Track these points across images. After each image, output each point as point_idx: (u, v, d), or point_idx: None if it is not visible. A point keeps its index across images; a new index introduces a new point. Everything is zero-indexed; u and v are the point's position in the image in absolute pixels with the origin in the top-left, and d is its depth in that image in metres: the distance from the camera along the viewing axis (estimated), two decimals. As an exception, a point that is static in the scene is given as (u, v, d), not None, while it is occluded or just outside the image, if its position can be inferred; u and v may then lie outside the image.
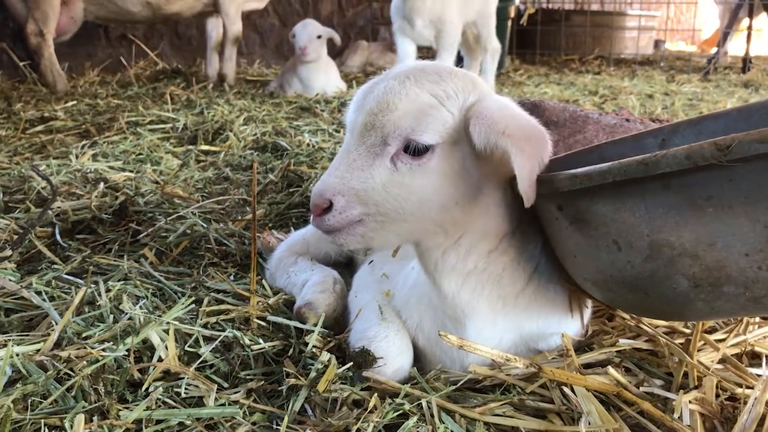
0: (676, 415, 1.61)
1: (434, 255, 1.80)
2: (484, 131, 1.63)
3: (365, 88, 1.80)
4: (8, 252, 2.74)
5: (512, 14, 10.87)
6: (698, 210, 1.39)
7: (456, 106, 1.71)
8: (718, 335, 2.03)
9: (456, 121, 1.70)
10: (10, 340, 2.01)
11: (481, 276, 1.80)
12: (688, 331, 2.04)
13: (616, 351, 1.93)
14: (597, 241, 1.57)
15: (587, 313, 2.01)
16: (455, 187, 1.71)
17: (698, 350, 1.90)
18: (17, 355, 1.86)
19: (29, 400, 1.69)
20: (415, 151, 1.67)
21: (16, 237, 2.92)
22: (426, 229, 1.74)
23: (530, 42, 11.67)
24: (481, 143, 1.64)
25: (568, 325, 1.93)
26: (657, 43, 14.06)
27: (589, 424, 1.59)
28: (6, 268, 2.59)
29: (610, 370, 1.76)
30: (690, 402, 1.65)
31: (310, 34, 7.04)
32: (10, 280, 2.44)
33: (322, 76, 7.27)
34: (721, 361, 1.90)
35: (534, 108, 2.95)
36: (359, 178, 1.69)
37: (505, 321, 1.85)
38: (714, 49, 11.91)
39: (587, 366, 1.87)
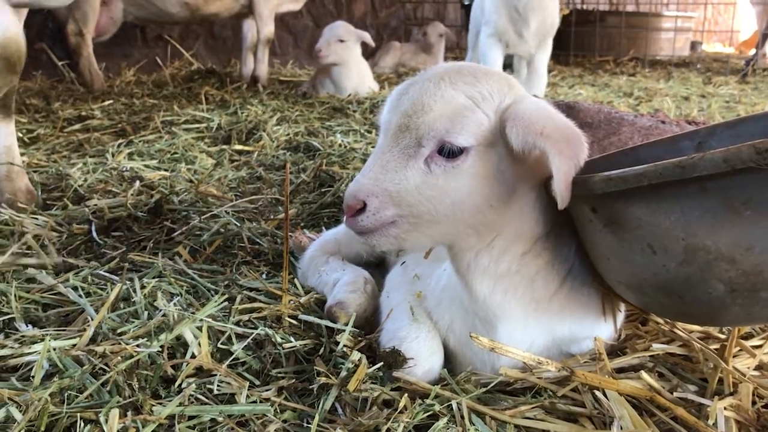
0: (710, 422, 1.58)
1: (467, 257, 1.79)
2: (522, 132, 1.62)
3: (400, 90, 1.79)
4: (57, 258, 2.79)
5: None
6: (735, 214, 1.37)
7: (491, 108, 1.70)
8: (755, 341, 2.00)
9: (491, 123, 1.69)
10: (47, 334, 2.05)
11: (514, 278, 1.79)
12: (723, 336, 2.01)
13: (650, 356, 1.90)
14: (631, 244, 1.56)
15: (620, 317, 1.99)
16: (489, 189, 1.70)
17: (734, 356, 1.87)
18: (54, 349, 1.90)
19: (65, 394, 1.72)
20: (449, 153, 1.66)
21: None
22: (459, 231, 1.73)
23: (564, 43, 11.54)
24: (518, 145, 1.63)
25: (600, 329, 1.91)
26: (693, 45, 13.87)
27: (622, 429, 1.58)
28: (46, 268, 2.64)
29: (644, 374, 1.74)
30: (725, 408, 1.62)
31: (329, 36, 7.08)
32: (48, 276, 2.48)
33: (355, 77, 7.29)
34: (758, 367, 1.87)
35: (568, 109, 2.93)
36: (393, 179, 1.69)
37: (537, 324, 1.83)
38: (752, 51, 11.70)
39: (620, 370, 1.85)
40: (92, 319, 2.10)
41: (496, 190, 1.71)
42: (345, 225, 1.76)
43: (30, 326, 2.16)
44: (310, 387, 1.85)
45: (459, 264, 1.82)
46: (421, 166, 1.68)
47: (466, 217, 1.70)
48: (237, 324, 2.12)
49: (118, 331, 2.06)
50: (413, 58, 10.12)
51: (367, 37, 7.34)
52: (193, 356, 1.92)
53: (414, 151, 1.69)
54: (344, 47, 7.14)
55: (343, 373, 1.82)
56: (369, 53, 9.23)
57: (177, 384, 1.81)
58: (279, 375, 1.92)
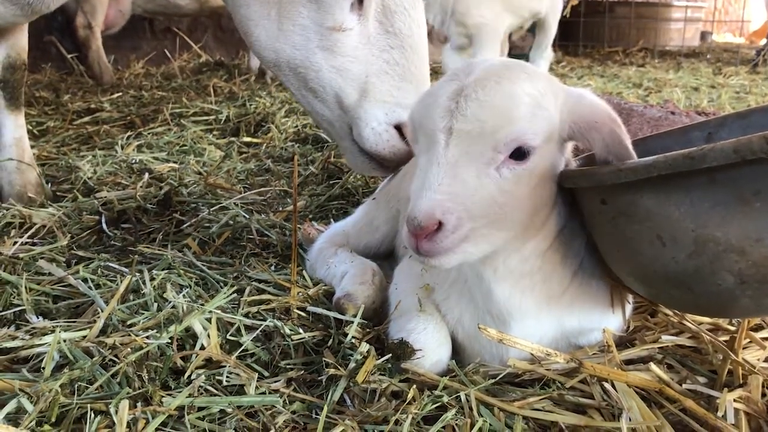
0: (720, 414, 1.58)
1: (500, 257, 1.73)
2: (607, 141, 1.62)
3: (449, 91, 1.63)
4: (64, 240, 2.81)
5: (555, 6, 10.74)
6: (745, 205, 1.36)
7: (552, 105, 1.64)
8: (765, 333, 1.99)
9: (554, 120, 1.65)
10: (57, 326, 2.06)
11: (535, 277, 1.77)
12: (732, 328, 2.00)
13: (659, 347, 1.90)
14: (641, 235, 1.55)
15: (629, 308, 1.99)
16: (545, 189, 1.67)
17: (744, 348, 1.86)
18: (64, 341, 1.91)
19: (76, 385, 1.73)
20: (519, 155, 1.59)
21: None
22: (516, 233, 1.66)
23: (573, 34, 11.51)
24: (602, 152, 1.62)
25: (609, 321, 1.91)
26: (703, 35, 13.76)
27: (630, 420, 1.58)
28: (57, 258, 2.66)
29: (653, 366, 1.74)
30: (735, 400, 1.62)
31: None
32: (58, 268, 2.50)
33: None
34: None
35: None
36: (468, 191, 1.56)
37: (549, 318, 1.83)
38: (763, 41, 11.61)
39: (629, 362, 1.85)
40: (102, 311, 2.11)
41: (548, 188, 1.68)
42: (413, 250, 1.60)
43: (40, 318, 2.18)
44: (319, 378, 1.85)
45: (485, 267, 1.75)
46: (493, 172, 1.58)
47: (525, 219, 1.65)
48: (246, 316, 2.13)
49: (128, 322, 2.07)
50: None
51: None
52: (203, 348, 1.93)
53: (490, 158, 1.58)
54: None
55: (352, 365, 1.83)
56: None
57: (186, 375, 1.82)
58: (288, 366, 1.93)
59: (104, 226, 3.05)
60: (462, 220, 1.54)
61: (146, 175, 3.73)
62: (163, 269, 2.50)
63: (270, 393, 1.77)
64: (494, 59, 1.76)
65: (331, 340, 2.02)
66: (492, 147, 1.58)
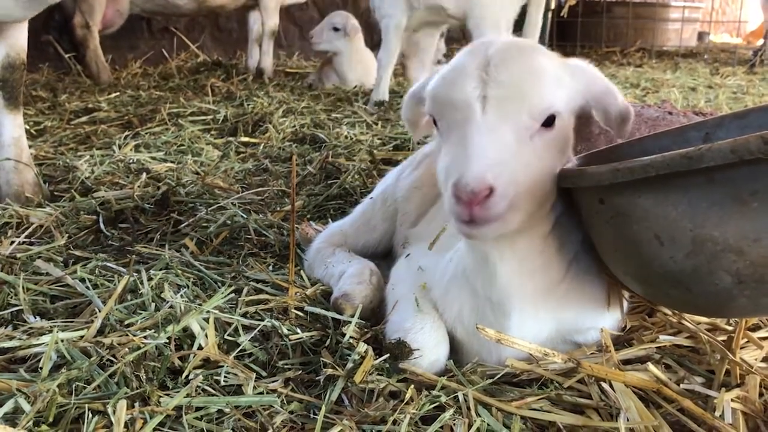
0: (717, 414, 1.58)
1: (507, 239, 1.70)
2: (615, 109, 1.80)
3: (476, 63, 1.66)
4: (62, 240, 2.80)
5: (553, 6, 10.74)
6: (743, 205, 1.37)
7: (568, 74, 1.74)
8: (762, 333, 1.99)
9: (571, 88, 1.73)
10: (55, 326, 2.05)
11: (537, 260, 1.78)
12: (730, 328, 2.01)
13: (656, 347, 1.90)
14: (638, 235, 1.55)
15: (625, 306, 1.99)
16: (561, 157, 1.73)
17: (741, 348, 1.87)
18: (62, 341, 1.91)
19: (73, 385, 1.73)
20: (547, 122, 1.65)
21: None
22: (538, 207, 1.67)
23: (571, 34, 11.51)
24: (613, 118, 1.80)
25: (604, 319, 1.91)
26: (701, 35, 13.79)
27: (628, 420, 1.58)
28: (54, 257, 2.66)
29: (650, 366, 1.74)
30: (732, 400, 1.62)
31: (325, 24, 7.17)
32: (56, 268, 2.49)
33: (358, 69, 7.28)
34: (765, 359, 1.86)
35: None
36: (512, 155, 1.57)
37: (546, 311, 1.83)
38: (760, 41, 11.63)
39: (626, 362, 1.85)
40: (100, 311, 2.11)
41: (562, 160, 1.73)
42: (462, 218, 1.56)
43: (38, 318, 2.17)
44: (317, 378, 1.85)
45: (493, 248, 1.74)
46: (527, 138, 1.62)
47: (547, 190, 1.67)
48: (244, 316, 2.12)
49: (126, 322, 2.06)
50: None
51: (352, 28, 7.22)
52: (200, 348, 1.93)
53: (527, 125, 1.62)
54: (338, 36, 7.12)
55: (350, 365, 1.83)
56: (375, 44, 9.18)
57: (184, 375, 1.82)
58: (285, 366, 1.93)
59: (102, 225, 3.04)
60: (510, 184, 1.54)
61: (144, 175, 3.73)
62: (160, 269, 2.50)
63: (268, 393, 1.77)
64: (510, 38, 1.86)
65: (328, 340, 2.02)
66: (527, 113, 1.62)
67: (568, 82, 1.72)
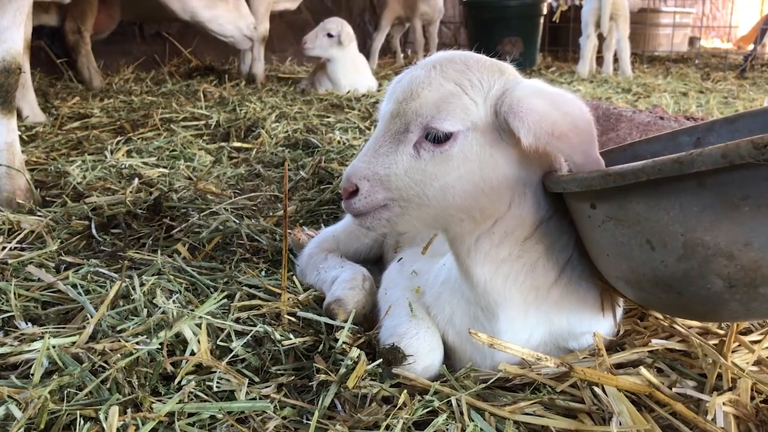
0: (709, 417, 1.59)
1: (467, 242, 1.80)
2: (532, 131, 1.62)
3: (397, 78, 1.84)
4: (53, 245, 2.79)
5: (545, 11, 10.79)
6: (734, 209, 1.37)
7: (480, 95, 1.72)
8: (754, 336, 2.00)
9: (480, 109, 1.71)
10: (46, 332, 2.05)
11: (515, 264, 1.79)
12: (722, 332, 2.02)
13: (649, 351, 1.91)
14: (630, 239, 1.56)
15: (619, 312, 1.99)
16: (480, 175, 1.71)
17: (733, 351, 1.88)
18: (54, 347, 1.90)
19: (65, 392, 1.73)
20: (436, 138, 1.70)
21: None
22: (451, 215, 1.75)
23: (563, 39, 11.57)
24: (528, 142, 1.63)
25: (599, 324, 1.91)
26: (692, 41, 13.86)
27: (621, 424, 1.58)
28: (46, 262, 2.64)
29: (642, 370, 1.75)
30: (724, 404, 1.63)
31: (318, 29, 7.18)
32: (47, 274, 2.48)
33: (352, 74, 7.29)
34: (757, 363, 1.87)
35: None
36: (383, 164, 1.74)
37: (536, 314, 1.83)
38: (750, 46, 11.70)
39: (619, 366, 1.85)
40: (92, 317, 2.10)
41: (488, 174, 1.71)
42: (342, 206, 1.84)
43: (29, 324, 2.16)
44: (310, 384, 1.85)
45: (459, 249, 1.83)
46: (410, 151, 1.73)
47: (458, 202, 1.72)
48: (236, 321, 2.12)
49: (118, 328, 2.06)
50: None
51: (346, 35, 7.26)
52: (193, 353, 1.92)
53: (403, 137, 1.74)
54: (332, 42, 7.14)
55: (343, 370, 1.82)
56: (369, 50, 9.22)
57: (177, 381, 1.81)
58: (278, 372, 1.93)
59: (94, 231, 3.03)
60: (376, 188, 1.75)
61: (136, 180, 3.72)
62: (153, 275, 2.50)
63: (260, 398, 1.77)
64: (453, 51, 1.86)
65: (321, 345, 2.02)
66: (404, 126, 1.74)
67: (471, 102, 1.70)
